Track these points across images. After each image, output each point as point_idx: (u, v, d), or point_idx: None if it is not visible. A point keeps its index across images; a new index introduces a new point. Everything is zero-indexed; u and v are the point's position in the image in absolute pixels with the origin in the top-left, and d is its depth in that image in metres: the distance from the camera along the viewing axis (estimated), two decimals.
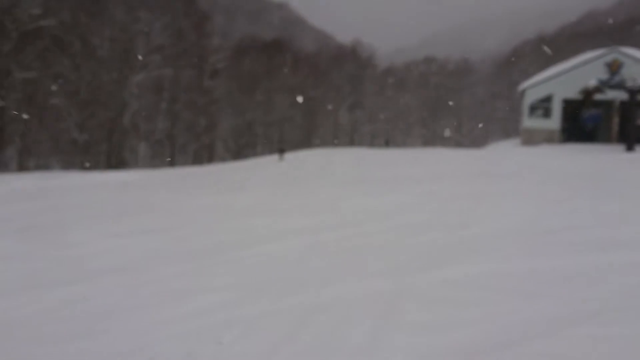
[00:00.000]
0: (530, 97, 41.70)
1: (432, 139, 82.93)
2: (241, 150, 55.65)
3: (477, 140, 79.93)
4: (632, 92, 32.72)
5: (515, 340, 3.70)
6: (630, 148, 32.39)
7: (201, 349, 3.86)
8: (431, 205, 11.42)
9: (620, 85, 32.73)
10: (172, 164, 47.71)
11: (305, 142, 62.81)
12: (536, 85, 42.18)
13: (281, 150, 31.76)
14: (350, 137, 69.84)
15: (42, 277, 6.32)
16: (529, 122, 41.68)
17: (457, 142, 79.86)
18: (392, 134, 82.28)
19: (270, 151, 58.36)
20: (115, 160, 39.63)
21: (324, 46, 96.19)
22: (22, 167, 38.24)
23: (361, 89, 70.42)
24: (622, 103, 33.43)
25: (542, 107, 41.34)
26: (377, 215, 10.43)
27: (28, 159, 40.87)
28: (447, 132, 74.40)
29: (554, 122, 40.79)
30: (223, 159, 53.29)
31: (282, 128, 61.62)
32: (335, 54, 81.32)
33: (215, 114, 51.50)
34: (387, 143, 63.48)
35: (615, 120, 37.80)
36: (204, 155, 51.47)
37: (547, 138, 39.90)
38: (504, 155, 28.84)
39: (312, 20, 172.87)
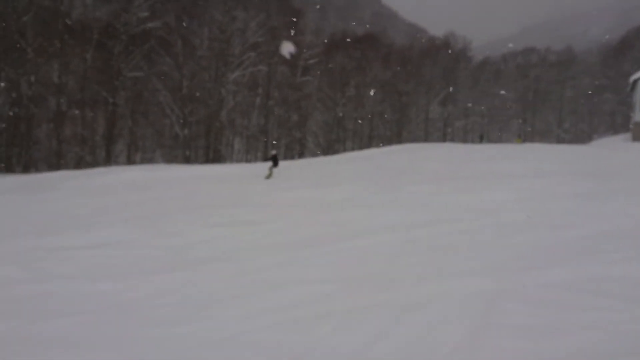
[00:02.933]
0: None
1: (530, 134, 78.74)
2: (331, 145, 56.17)
3: (581, 136, 74.80)
4: None
5: (626, 350, 3.43)
6: None
7: (296, 339, 3.95)
8: (531, 204, 10.86)
9: None
10: (264, 158, 49.26)
11: (396, 137, 62.10)
12: None
13: (273, 159, 19.60)
14: (443, 132, 68.06)
15: (148, 263, 6.78)
16: None
17: (558, 138, 75.17)
18: (487, 129, 79.16)
19: (360, 147, 58.42)
20: (213, 154, 41.59)
21: (415, 40, 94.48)
22: (130, 161, 41.25)
23: (454, 83, 68.32)
24: None
25: None
26: (472, 212, 10.10)
27: (135, 153, 44.00)
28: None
29: None
30: (314, 154, 54.14)
31: (372, 123, 61.40)
32: (428, 47, 79.52)
33: (306, 109, 52.40)
34: (482, 138, 61.19)
35: None
36: (295, 149, 52.57)
37: None
38: (612, 152, 26.72)
39: (404, 13, 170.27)
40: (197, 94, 41.26)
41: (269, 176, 18.73)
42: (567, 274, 5.52)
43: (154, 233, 8.84)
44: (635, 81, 40.32)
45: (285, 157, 51.55)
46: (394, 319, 4.28)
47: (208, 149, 40.83)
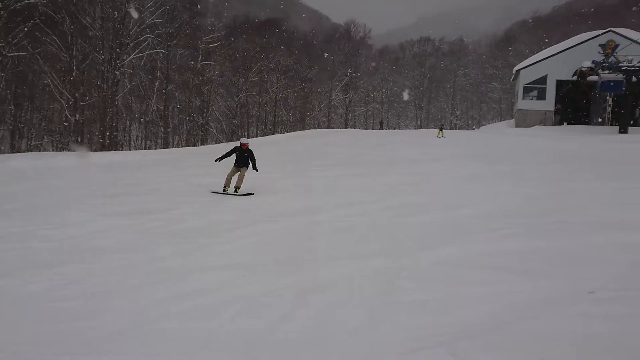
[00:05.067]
0: (525, 79, 41.69)
1: (426, 120, 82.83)
2: (235, 131, 55.36)
3: (472, 122, 79.88)
4: (627, 73, 32.71)
5: (510, 319, 3.74)
6: (623, 130, 32.54)
7: (199, 326, 3.88)
8: (427, 186, 11.46)
9: (614, 67, 32.70)
10: (165, 144, 47.47)
11: (300, 123, 62.52)
12: (530, 66, 42.11)
13: (239, 156, 12.00)
14: (345, 119, 69.55)
15: (39, 256, 6.31)
16: (523, 104, 41.72)
17: (451, 124, 79.77)
18: (386, 115, 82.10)
19: (264, 133, 58.14)
20: (109, 141, 39.29)
21: (318, 26, 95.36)
22: (14, 148, 37.89)
23: (355, 70, 69.96)
24: (615, 83, 33.36)
25: (537, 88, 41.33)
26: (373, 195, 10.46)
27: (20, 140, 40.49)
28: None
29: (548, 103, 40.85)
30: (217, 140, 53.05)
31: (276, 109, 61.27)
32: (330, 34, 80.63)
33: (208, 95, 51.10)
34: (382, 124, 63.42)
35: (609, 102, 37.86)
36: (197, 136, 51.14)
37: (541, 119, 40.00)
38: (499, 137, 28.89)
39: (307, 0, 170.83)
40: (89, 77, 38.68)
41: (225, 189, 11.39)
42: (460, 251, 5.91)
43: (48, 224, 8.22)
44: (518, 71, 43.69)
45: (187, 144, 50.00)
46: (298, 302, 4.34)
47: (103, 135, 38.48)
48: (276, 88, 59.53)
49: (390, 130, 57.22)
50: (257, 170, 11.81)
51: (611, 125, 37.81)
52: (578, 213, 7.95)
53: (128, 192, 11.78)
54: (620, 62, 32.65)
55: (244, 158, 11.72)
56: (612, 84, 31.29)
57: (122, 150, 40.91)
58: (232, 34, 56.89)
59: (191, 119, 50.19)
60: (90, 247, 6.70)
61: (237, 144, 14.28)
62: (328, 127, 62.27)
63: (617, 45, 33.71)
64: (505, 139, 27.32)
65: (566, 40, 43.54)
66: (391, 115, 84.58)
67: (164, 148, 43.18)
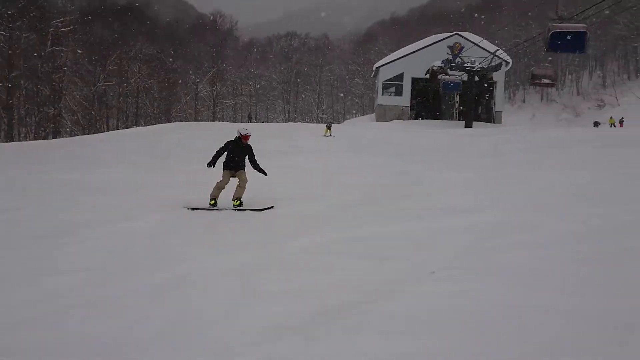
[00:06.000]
0: (384, 76, 44.25)
1: (294, 114, 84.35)
2: (92, 123, 51.59)
3: (336, 116, 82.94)
4: (470, 73, 36.29)
5: (363, 301, 4.03)
6: (468, 124, 36.06)
7: (44, 334, 3.62)
8: (293, 178, 11.75)
9: (460, 67, 36.08)
10: (9, 138, 42.75)
11: (164, 115, 60.10)
12: (389, 64, 44.78)
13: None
14: (212, 111, 68.26)
15: None
16: (382, 99, 44.27)
17: (318, 117, 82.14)
18: (255, 108, 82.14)
19: (126, 125, 54.96)
20: None
21: (183, 15, 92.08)
22: None
23: (223, 62, 68.90)
24: (463, 83, 36.83)
25: (394, 85, 44.12)
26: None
27: None
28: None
29: (405, 99, 43.80)
30: (72, 133, 49.01)
31: (138, 100, 58.19)
32: (195, 24, 78.37)
33: (60, 83, 46.92)
34: (250, 118, 63.32)
35: (457, 99, 41.68)
36: (49, 128, 46.74)
37: (399, 114, 42.80)
38: (360, 130, 30.41)
39: None
40: None
41: (213, 202, 8.69)
42: (318, 239, 6.20)
43: None
44: (377, 68, 46.23)
45: (37, 137, 45.53)
46: (154, 301, 4.23)
47: None
48: (138, 78, 56.52)
49: (259, 123, 57.34)
50: (265, 173, 9.03)
51: (459, 120, 41.65)
52: (429, 199, 8.73)
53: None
54: (465, 63, 36.09)
55: (243, 157, 8.95)
56: (451, 84, 34.69)
57: None
58: (87, 19, 52.82)
59: (41, 109, 45.77)
60: None
61: (229, 136, 10.36)
62: (195, 119, 60.65)
63: (462, 48, 37.18)
64: (367, 132, 28.85)
65: (420, 41, 46.97)
66: (260, 109, 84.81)
67: (7, 142, 38.85)
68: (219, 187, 8.64)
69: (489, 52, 38.00)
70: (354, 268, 4.96)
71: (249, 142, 8.97)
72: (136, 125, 53.16)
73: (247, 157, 8.94)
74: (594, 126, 39.12)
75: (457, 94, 41.20)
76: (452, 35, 42.20)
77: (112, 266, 5.25)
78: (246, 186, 8.63)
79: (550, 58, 50.16)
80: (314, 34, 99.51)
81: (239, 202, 8.53)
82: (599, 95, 63.52)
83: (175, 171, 13.93)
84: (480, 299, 4.00)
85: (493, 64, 36.32)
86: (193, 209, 8.34)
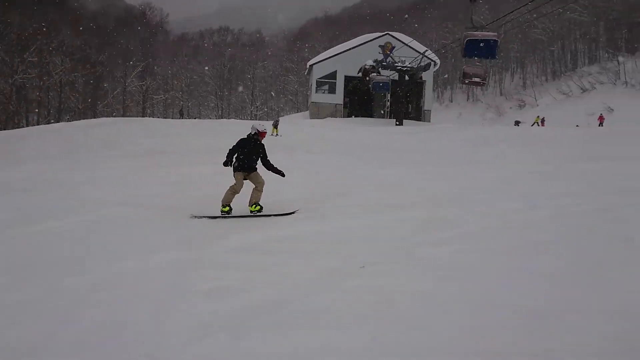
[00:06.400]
0: (317, 74, 44.56)
1: (227, 111, 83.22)
2: (10, 117, 48.50)
3: (271, 113, 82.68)
4: (401, 72, 37.29)
5: (293, 298, 4.08)
6: (399, 122, 37.03)
7: None
8: (223, 177, 11.61)
9: (391, 66, 37.00)
10: None
11: (90, 110, 57.49)
12: (322, 62, 45.14)
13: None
14: (142, 107, 66.04)
15: None
16: (316, 97, 44.57)
17: (252, 115, 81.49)
18: (187, 104, 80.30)
19: (48, 120, 52.09)
20: None
21: (110, 6, 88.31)
22: None
23: (153, 56, 66.80)
24: (394, 82, 37.78)
25: (328, 83, 44.55)
26: (171, 186, 10.26)
27: None
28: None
29: (338, 97, 44.33)
30: None
31: (61, 94, 55.29)
32: (124, 16, 75.47)
33: None
34: (182, 114, 61.84)
35: (388, 97, 42.69)
36: None
37: (332, 112, 43.26)
38: (294, 128, 30.49)
39: None
40: None
41: (227, 209, 7.77)
42: (253, 237, 6.20)
43: None
44: (311, 66, 46.48)
45: None
46: (78, 303, 4.08)
47: None
48: (60, 71, 53.71)
49: (192, 120, 56.11)
50: (282, 174, 8.08)
51: (390, 118, 42.69)
52: (363, 196, 8.93)
53: None
54: (396, 63, 37.05)
55: (257, 157, 7.97)
56: (381, 84, 35.68)
57: None
58: (5, 5, 49.57)
59: None
60: None
61: (239, 132, 9.74)
62: (124, 115, 58.43)
63: (393, 47, 38.18)
64: (302, 129, 28.96)
65: (353, 40, 47.67)
66: (192, 105, 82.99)
67: None
68: (234, 191, 7.65)
69: (418, 52, 39.18)
70: (286, 265, 5.01)
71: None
72: (59, 121, 50.52)
73: (261, 156, 7.98)
74: (515, 125, 41.26)
75: (389, 93, 42.20)
76: (383, 35, 43.16)
77: (33, 268, 5.00)
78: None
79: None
80: (248, 29, 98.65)
81: (258, 207, 7.71)
82: (519, 95, 67.07)
83: (101, 168, 13.40)
84: (407, 291, 4.16)
85: (422, 64, 37.49)
86: (200, 217, 7.38)
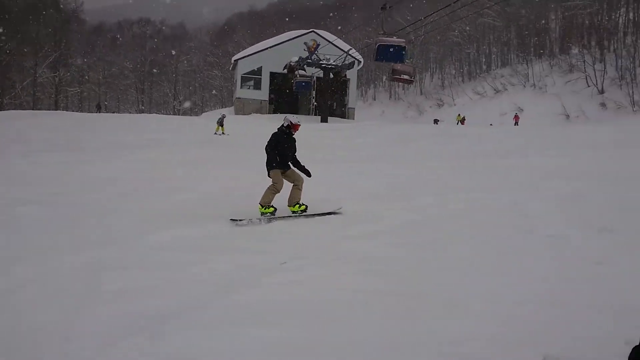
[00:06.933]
0: (242, 69, 44.05)
1: (148, 105, 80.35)
2: None
3: (194, 108, 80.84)
4: (325, 70, 37.71)
5: (214, 297, 4.04)
6: (324, 119, 37.44)
7: None
8: (148, 173, 11.27)
9: (316, 64, 37.30)
10: None
11: None
12: (247, 57, 44.69)
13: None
14: (55, 99, 62.17)
15: None
16: (241, 92, 44.07)
17: (175, 109, 79.26)
18: (104, 97, 76.66)
19: None
20: None
21: None
22: None
23: (66, 46, 63.05)
24: (319, 79, 38.13)
25: (253, 78, 44.18)
26: (98, 183, 9.81)
27: None
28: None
29: (264, 93, 44.09)
30: None
31: None
32: (33, 2, 70.67)
33: None
34: (99, 107, 58.99)
35: (313, 94, 43.00)
36: None
37: (258, 108, 42.97)
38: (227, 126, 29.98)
39: None
40: None
41: (269, 210, 7.25)
42: (171, 236, 6.05)
43: None
44: (236, 61, 45.87)
45: None
46: None
47: None
48: None
49: (110, 114, 53.68)
50: (308, 174, 7.50)
51: (315, 115, 43.02)
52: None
53: None
54: (321, 60, 37.38)
55: (292, 152, 7.53)
56: (303, 84, 36.17)
57: None
58: None
59: None
60: None
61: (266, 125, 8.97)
62: (34, 108, 54.82)
63: (318, 45, 38.44)
64: (227, 125, 28.52)
65: (278, 36, 47.54)
66: (110, 98, 79.35)
67: None
68: (276, 190, 7.19)
69: (343, 50, 39.74)
70: (206, 262, 4.94)
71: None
72: None
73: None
74: (435, 123, 42.94)
75: (314, 90, 42.53)
76: (308, 32, 43.37)
77: None
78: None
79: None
80: (170, 22, 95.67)
81: (303, 206, 7.27)
82: (438, 95, 69.86)
83: (11, 164, 12.54)
84: (329, 286, 4.25)
85: (347, 62, 38.09)
86: (240, 220, 6.77)
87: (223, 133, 24.09)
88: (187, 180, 10.38)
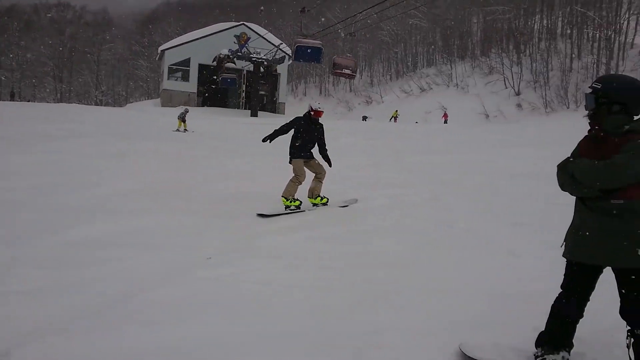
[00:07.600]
0: (170, 59, 42.79)
1: (68, 95, 76.18)
2: None
3: (118, 99, 77.56)
4: (256, 63, 37.39)
5: (140, 291, 3.93)
6: (254, 114, 37.15)
7: None
8: (68, 165, 10.69)
9: (246, 57, 36.90)
10: None
11: None
12: (175, 48, 43.46)
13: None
14: None
15: None
16: (168, 84, 42.81)
17: (97, 100, 75.67)
18: (18, 85, 71.77)
19: None
20: None
21: None
22: None
23: None
24: (249, 73, 37.71)
25: (181, 70, 43.03)
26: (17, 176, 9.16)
27: None
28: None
29: (192, 85, 43.09)
30: None
31: None
32: None
33: None
34: (13, 95, 55.27)
35: (243, 88, 42.56)
36: None
37: (186, 100, 41.91)
38: (144, 115, 29.02)
39: None
40: None
41: (294, 202, 7.11)
42: (96, 230, 5.78)
43: None
44: (163, 51, 44.47)
45: None
46: None
47: None
48: None
49: (25, 102, 50.34)
50: (329, 163, 7.23)
51: (245, 109, 42.57)
52: (214, 187, 8.82)
53: None
54: (251, 54, 37.01)
55: (315, 141, 7.13)
56: (229, 80, 36.08)
57: None
58: None
59: None
60: None
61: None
62: None
63: (249, 38, 38.01)
64: (153, 117, 27.62)
65: (208, 27, 46.53)
66: (25, 86, 74.45)
67: None
68: (298, 182, 6.95)
69: (273, 44, 39.57)
70: (128, 258, 4.78)
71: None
72: None
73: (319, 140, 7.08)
74: (363, 120, 43.75)
75: (244, 84, 42.09)
76: (239, 25, 42.80)
77: None
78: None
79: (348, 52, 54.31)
80: (92, 7, 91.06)
81: (325, 199, 7.14)
82: (367, 92, 71.15)
83: None
84: (253, 281, 4.24)
85: (277, 56, 37.96)
86: (267, 215, 6.59)
87: (186, 130, 22.35)
88: (108, 174, 9.95)
